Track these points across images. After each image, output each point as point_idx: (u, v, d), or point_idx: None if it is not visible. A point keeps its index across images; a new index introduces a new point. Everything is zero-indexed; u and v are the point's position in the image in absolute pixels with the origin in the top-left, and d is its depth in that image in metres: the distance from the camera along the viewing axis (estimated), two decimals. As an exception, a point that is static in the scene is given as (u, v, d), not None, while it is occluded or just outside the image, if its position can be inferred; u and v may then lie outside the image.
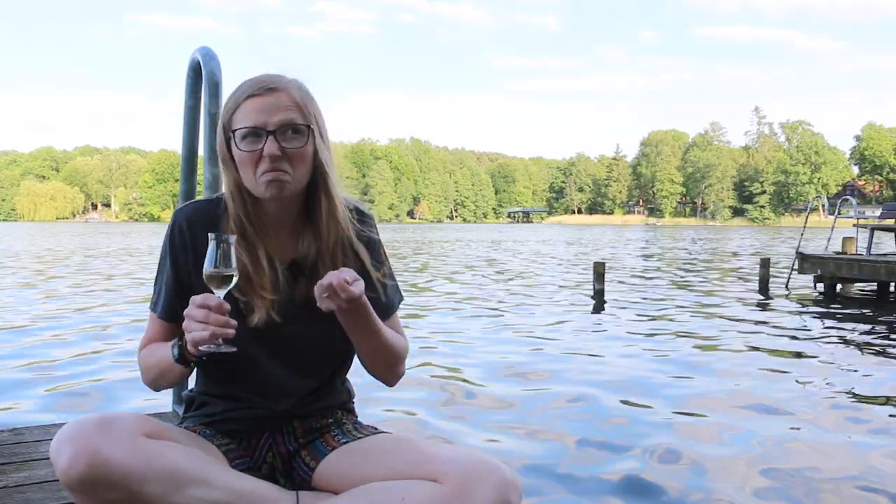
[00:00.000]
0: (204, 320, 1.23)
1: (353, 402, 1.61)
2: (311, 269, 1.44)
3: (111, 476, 1.16)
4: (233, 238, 1.29)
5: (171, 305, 1.44)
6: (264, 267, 1.41)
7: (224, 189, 1.45)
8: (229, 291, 1.30)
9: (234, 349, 1.27)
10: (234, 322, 1.26)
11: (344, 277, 1.28)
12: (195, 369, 1.48)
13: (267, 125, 1.35)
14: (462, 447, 1.32)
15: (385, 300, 1.51)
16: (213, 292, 1.27)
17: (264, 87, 1.38)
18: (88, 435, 1.17)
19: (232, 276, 1.28)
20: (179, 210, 1.48)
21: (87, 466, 1.15)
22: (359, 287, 1.30)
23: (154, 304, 1.48)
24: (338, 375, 1.56)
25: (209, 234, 1.28)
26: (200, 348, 1.26)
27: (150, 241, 34.54)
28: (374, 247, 1.52)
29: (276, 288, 1.42)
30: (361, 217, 1.53)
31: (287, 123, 1.36)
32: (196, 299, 1.26)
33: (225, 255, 1.27)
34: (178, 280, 1.44)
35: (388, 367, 1.49)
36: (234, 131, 1.37)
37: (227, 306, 1.26)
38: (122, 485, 1.17)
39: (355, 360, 1.54)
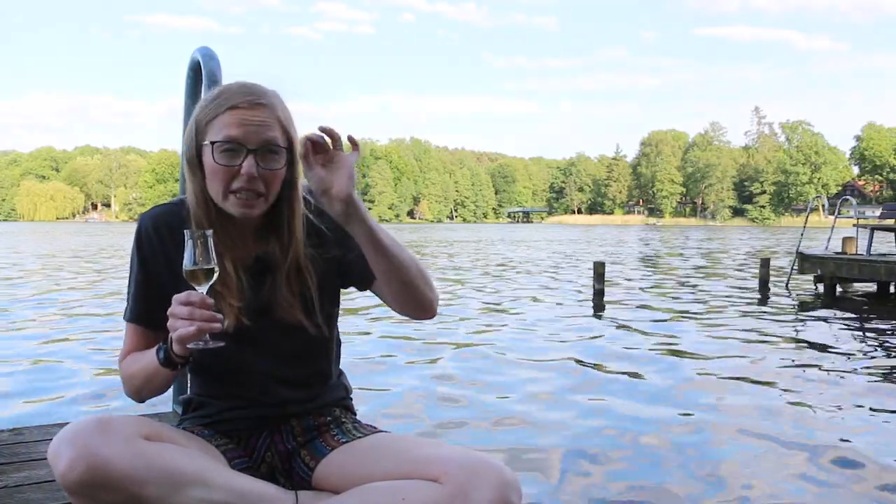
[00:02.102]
0: (189, 316, 1.22)
1: (351, 399, 1.60)
2: (277, 268, 1.43)
3: (110, 478, 1.16)
4: (209, 232, 1.26)
5: (145, 311, 1.43)
6: (231, 274, 1.39)
7: (188, 194, 1.40)
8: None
9: (222, 343, 1.26)
10: (219, 316, 1.25)
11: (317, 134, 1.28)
12: (186, 374, 1.46)
13: (249, 142, 1.32)
14: (462, 447, 1.31)
15: None
16: (194, 290, 1.25)
17: (250, 101, 1.34)
18: (87, 437, 1.17)
19: (213, 270, 1.26)
20: (144, 215, 1.46)
21: (86, 469, 1.15)
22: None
23: (128, 313, 1.46)
24: (330, 369, 1.55)
25: (185, 232, 1.26)
26: (188, 346, 1.25)
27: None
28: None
29: (241, 296, 1.40)
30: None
31: (268, 143, 1.34)
32: (179, 297, 1.24)
33: (203, 251, 1.25)
34: (150, 285, 1.42)
35: (414, 288, 1.40)
36: (213, 143, 1.33)
37: (211, 301, 1.25)
38: (121, 487, 1.17)
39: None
